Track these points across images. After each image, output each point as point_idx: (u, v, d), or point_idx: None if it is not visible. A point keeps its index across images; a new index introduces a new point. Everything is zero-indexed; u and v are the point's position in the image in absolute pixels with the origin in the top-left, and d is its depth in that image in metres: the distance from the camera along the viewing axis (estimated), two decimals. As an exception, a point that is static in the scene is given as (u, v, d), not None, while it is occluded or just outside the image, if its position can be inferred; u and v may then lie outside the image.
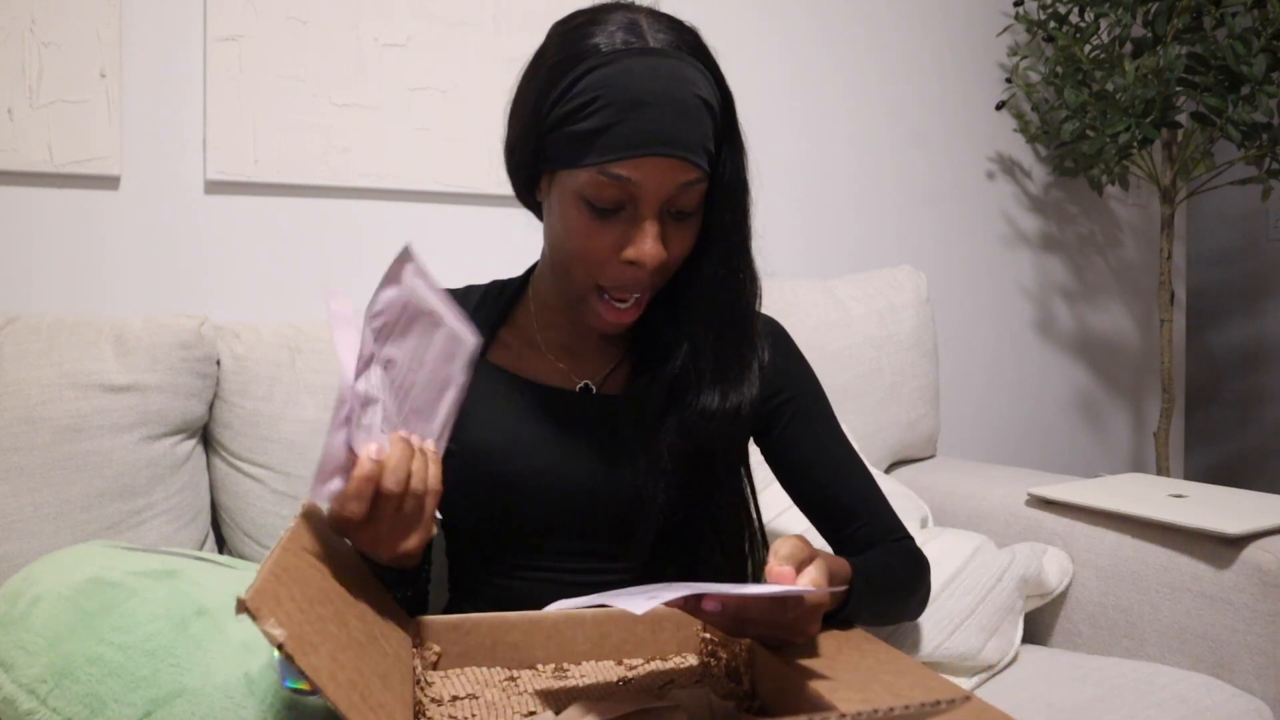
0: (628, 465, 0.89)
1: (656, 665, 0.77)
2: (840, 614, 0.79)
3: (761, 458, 1.02)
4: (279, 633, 0.48)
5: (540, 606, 0.77)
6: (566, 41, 0.82)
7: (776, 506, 1.36)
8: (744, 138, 0.89)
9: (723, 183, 0.86)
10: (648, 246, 0.81)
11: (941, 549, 1.32)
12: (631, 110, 0.78)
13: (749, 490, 1.02)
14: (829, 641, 0.73)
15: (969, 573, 1.28)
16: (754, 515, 1.02)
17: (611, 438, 0.91)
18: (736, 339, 0.90)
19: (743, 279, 0.90)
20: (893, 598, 0.92)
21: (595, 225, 0.82)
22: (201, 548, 1.22)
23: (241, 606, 0.48)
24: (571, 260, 0.85)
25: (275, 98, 1.44)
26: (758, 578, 1.00)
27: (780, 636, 0.71)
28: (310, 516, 0.69)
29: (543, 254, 0.97)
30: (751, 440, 1.01)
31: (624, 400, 0.92)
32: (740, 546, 0.99)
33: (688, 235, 0.85)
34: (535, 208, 0.93)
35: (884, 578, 0.88)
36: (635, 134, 0.78)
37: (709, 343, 0.89)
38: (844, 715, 0.45)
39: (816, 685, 0.63)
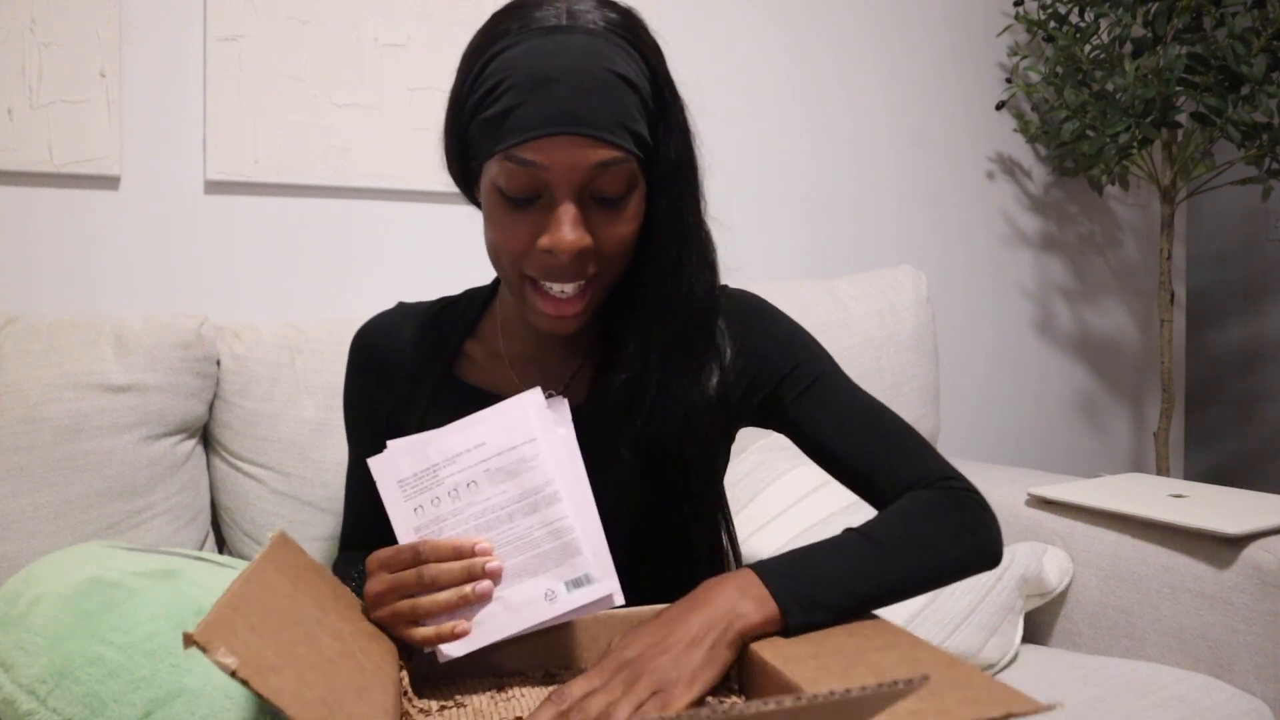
0: (589, 476, 0.82)
1: None
2: (788, 618, 0.71)
3: (737, 477, 0.98)
4: (230, 661, 0.49)
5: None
6: (486, 26, 0.79)
7: (758, 520, 1.36)
8: (689, 118, 0.83)
9: (660, 166, 0.81)
10: (563, 233, 0.75)
11: (941, 549, 1.32)
12: (534, 89, 0.73)
13: (721, 507, 0.97)
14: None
15: (969, 573, 1.28)
16: (726, 533, 0.97)
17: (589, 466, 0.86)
18: (685, 333, 0.85)
19: (688, 269, 0.84)
20: (883, 555, 0.78)
21: (511, 216, 0.77)
22: (201, 548, 1.22)
23: (189, 640, 0.49)
24: (498, 253, 0.81)
25: (275, 98, 1.44)
26: None
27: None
28: (278, 546, 0.70)
29: None
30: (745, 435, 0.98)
31: (584, 408, 0.84)
32: (712, 564, 0.94)
33: (621, 223, 0.79)
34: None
35: (842, 546, 0.77)
36: (537, 114, 0.73)
37: (658, 339, 0.84)
38: (799, 697, 0.45)
39: (797, 673, 0.63)
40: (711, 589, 0.72)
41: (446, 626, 0.71)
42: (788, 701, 0.44)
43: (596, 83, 0.74)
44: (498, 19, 0.78)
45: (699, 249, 0.85)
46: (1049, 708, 0.52)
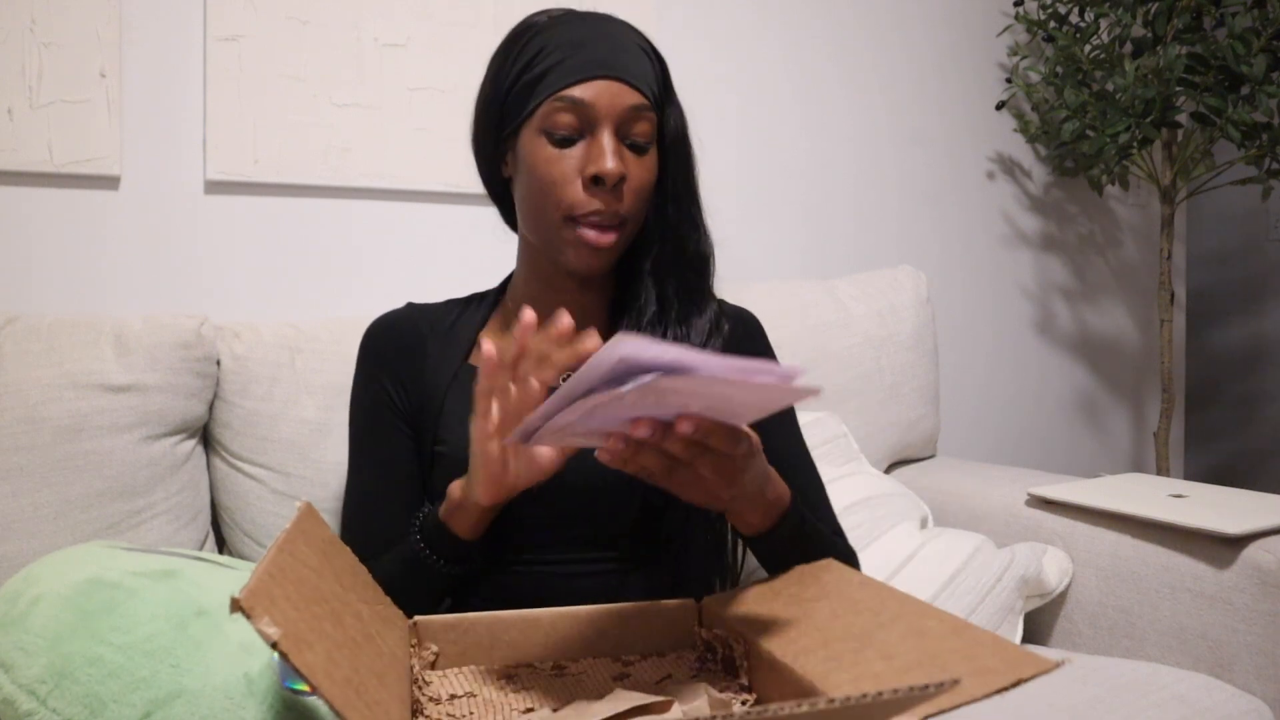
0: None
1: (654, 662, 0.78)
2: (773, 530, 0.82)
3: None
4: (274, 631, 0.48)
5: (533, 601, 0.79)
6: (518, 26, 0.93)
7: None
8: (682, 107, 0.96)
9: (668, 136, 0.93)
10: (608, 161, 0.86)
11: (941, 549, 1.32)
12: (576, 48, 0.88)
13: None
14: (822, 606, 0.72)
15: (969, 572, 1.28)
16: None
17: None
18: (693, 287, 0.95)
19: (695, 224, 0.96)
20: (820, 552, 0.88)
21: (557, 154, 0.88)
22: (201, 548, 1.22)
23: (235, 605, 0.48)
24: (543, 197, 0.89)
25: (275, 98, 1.44)
26: (733, 576, 1.00)
27: (707, 488, 0.73)
28: (306, 517, 0.69)
29: (521, 259, 1.00)
30: None
31: None
32: (720, 545, 0.99)
33: (644, 169, 0.91)
34: (503, 199, 1.00)
35: (816, 530, 0.89)
36: (581, 63, 0.87)
37: (671, 288, 0.94)
38: (832, 700, 0.45)
39: (808, 668, 0.63)
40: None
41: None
42: (821, 704, 0.45)
43: (628, 45, 0.90)
44: (529, 17, 0.93)
45: (702, 212, 0.97)
46: (1058, 665, 0.53)
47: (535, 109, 0.88)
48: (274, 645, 0.48)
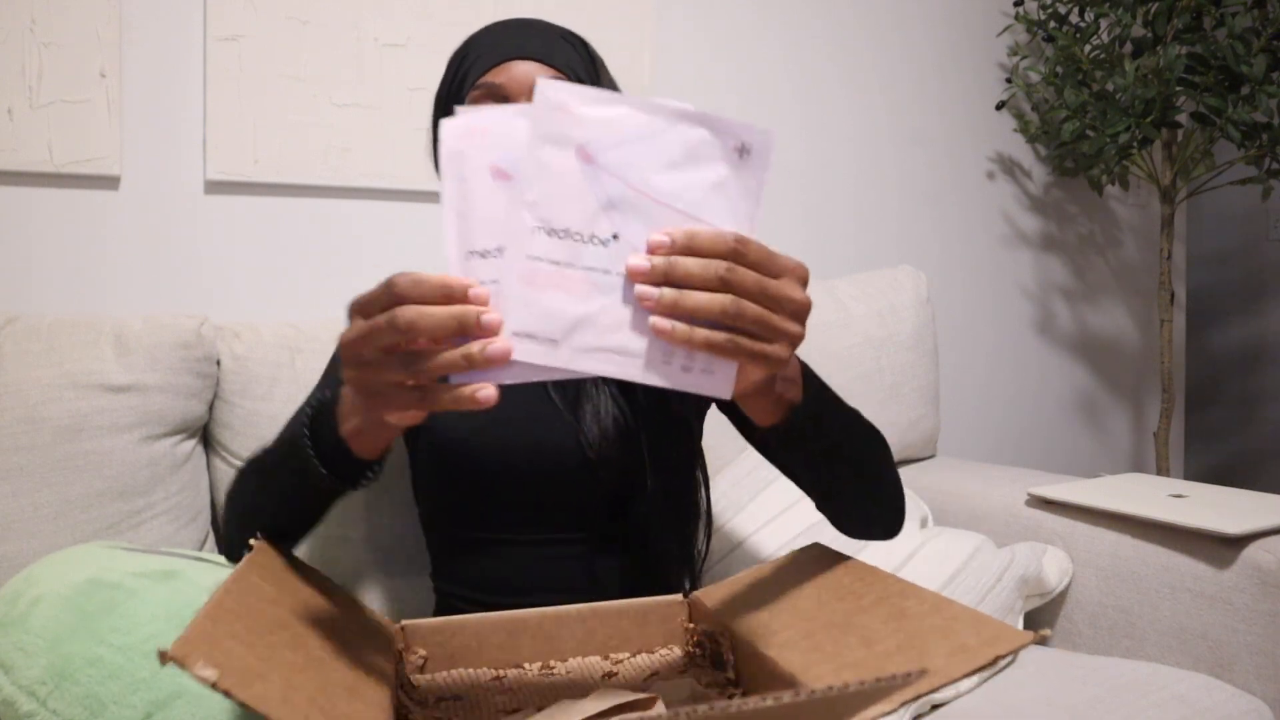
0: (576, 431, 0.93)
1: (642, 659, 0.78)
2: (802, 407, 0.70)
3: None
4: (209, 673, 0.48)
5: (518, 584, 0.80)
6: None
7: (759, 519, 1.37)
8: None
9: None
10: None
11: (941, 549, 1.32)
12: (494, 42, 0.92)
13: (701, 477, 1.03)
14: (807, 592, 0.72)
15: (969, 572, 1.28)
16: (704, 501, 1.04)
17: (563, 402, 0.95)
18: None
19: None
20: (854, 434, 0.80)
21: None
22: (201, 548, 1.22)
23: (164, 658, 0.48)
24: None
25: (275, 98, 1.44)
26: (699, 562, 1.02)
27: (762, 345, 0.58)
28: (260, 553, 0.70)
29: None
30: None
31: None
32: (691, 531, 1.00)
33: None
34: None
35: (837, 400, 0.79)
36: (494, 49, 0.91)
37: None
38: (797, 693, 0.46)
39: (791, 661, 0.63)
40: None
41: (465, 391, 0.55)
42: (786, 697, 0.45)
43: (542, 32, 0.93)
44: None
45: None
46: (1036, 637, 0.53)
47: (462, 100, 0.92)
48: (213, 686, 0.48)
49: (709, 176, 0.58)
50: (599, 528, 0.94)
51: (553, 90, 0.57)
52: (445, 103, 0.95)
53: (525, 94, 0.88)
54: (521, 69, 0.90)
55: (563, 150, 0.57)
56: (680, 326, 0.56)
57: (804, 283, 0.60)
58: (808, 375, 0.73)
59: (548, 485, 0.93)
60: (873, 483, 0.82)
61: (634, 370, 0.57)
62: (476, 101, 0.90)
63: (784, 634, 0.68)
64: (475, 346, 0.55)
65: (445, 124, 0.58)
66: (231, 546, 0.86)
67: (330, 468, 0.71)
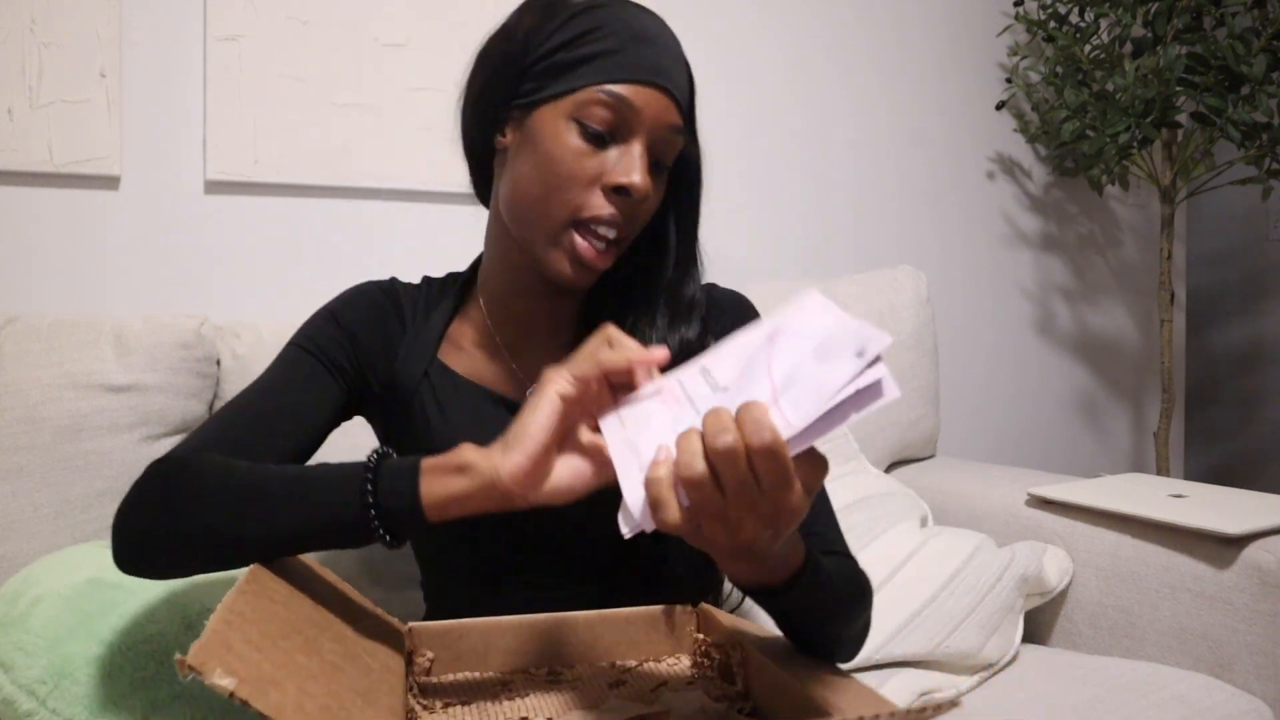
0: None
1: (649, 668, 0.77)
2: (791, 584, 0.66)
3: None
4: (228, 682, 0.47)
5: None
6: None
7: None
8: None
9: (685, 163, 0.87)
10: (639, 175, 0.79)
11: (941, 548, 1.32)
12: (636, 41, 0.80)
13: None
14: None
15: (969, 572, 1.28)
16: None
17: None
18: (675, 317, 0.87)
19: (692, 264, 0.90)
20: (836, 605, 0.74)
21: (583, 149, 0.79)
22: (201, 548, 1.22)
23: (183, 666, 0.47)
24: (551, 191, 0.80)
25: (275, 98, 1.44)
26: (716, 602, 0.94)
27: (765, 524, 0.56)
28: None
29: (491, 238, 0.92)
30: None
31: None
32: (702, 567, 0.89)
33: (659, 193, 0.84)
34: (483, 174, 0.91)
35: (830, 578, 0.73)
36: (640, 61, 0.80)
37: (660, 328, 0.86)
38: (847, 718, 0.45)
39: (811, 687, 0.63)
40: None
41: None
42: None
43: (682, 61, 0.84)
44: None
45: (698, 253, 0.91)
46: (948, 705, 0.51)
47: (572, 91, 0.79)
48: (230, 695, 0.47)
49: (825, 367, 0.54)
50: (608, 579, 0.88)
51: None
52: (535, 61, 0.82)
53: (652, 132, 0.80)
54: (660, 104, 0.80)
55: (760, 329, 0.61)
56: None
57: (812, 487, 0.56)
58: (808, 565, 0.67)
59: (553, 534, 0.87)
60: (838, 635, 0.75)
61: None
62: (596, 109, 0.79)
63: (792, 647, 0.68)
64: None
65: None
66: (145, 557, 0.72)
67: (384, 523, 0.66)
